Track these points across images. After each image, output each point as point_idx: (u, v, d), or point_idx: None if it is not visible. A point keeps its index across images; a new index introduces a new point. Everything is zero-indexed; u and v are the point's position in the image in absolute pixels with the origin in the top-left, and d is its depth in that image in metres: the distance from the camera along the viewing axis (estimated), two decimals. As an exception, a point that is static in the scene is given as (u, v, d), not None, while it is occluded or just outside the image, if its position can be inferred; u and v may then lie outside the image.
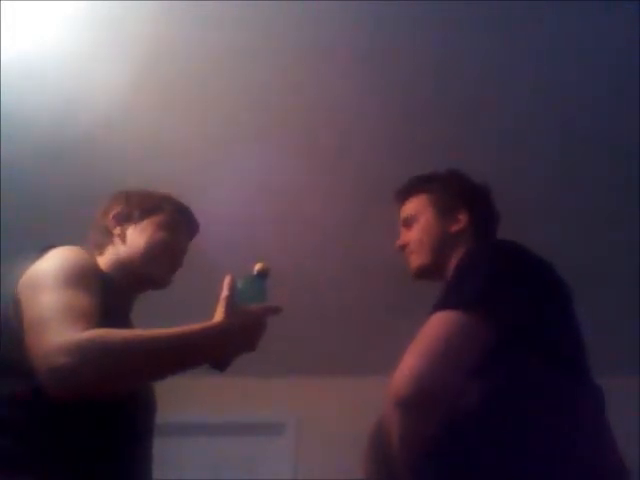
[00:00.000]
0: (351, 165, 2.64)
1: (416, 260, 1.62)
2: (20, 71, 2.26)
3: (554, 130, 2.48)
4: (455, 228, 1.60)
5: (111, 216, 1.55)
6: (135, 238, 1.52)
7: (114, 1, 2.08)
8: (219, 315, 1.32)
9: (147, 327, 1.28)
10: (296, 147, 2.58)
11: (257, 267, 1.40)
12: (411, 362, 1.24)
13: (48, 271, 1.29)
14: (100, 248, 1.54)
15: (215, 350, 1.29)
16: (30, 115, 2.41)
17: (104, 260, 1.51)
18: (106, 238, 1.54)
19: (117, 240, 1.53)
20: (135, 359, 1.19)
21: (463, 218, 1.61)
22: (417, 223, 1.64)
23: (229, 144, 2.55)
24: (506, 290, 1.34)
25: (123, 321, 1.44)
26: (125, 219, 1.55)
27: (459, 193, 1.65)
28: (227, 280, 1.35)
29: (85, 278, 1.30)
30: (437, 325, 1.29)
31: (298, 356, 3.39)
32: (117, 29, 2.16)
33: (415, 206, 1.66)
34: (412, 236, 1.64)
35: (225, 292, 1.34)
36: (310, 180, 2.70)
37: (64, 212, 2.71)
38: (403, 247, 1.66)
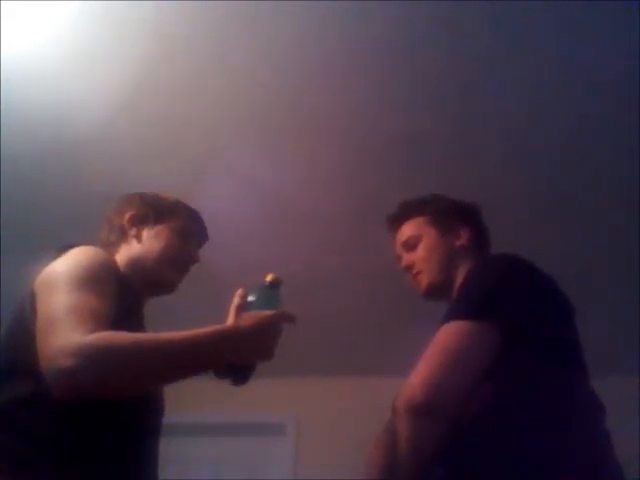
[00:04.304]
0: (353, 165, 2.64)
1: (426, 278, 1.63)
2: (20, 71, 2.26)
3: (554, 137, 2.48)
4: (459, 243, 1.64)
5: (127, 217, 1.57)
6: (151, 241, 1.55)
7: (114, 1, 2.08)
8: (230, 322, 1.35)
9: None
10: (296, 147, 2.58)
11: (268, 278, 1.39)
12: (423, 371, 1.30)
13: (63, 271, 1.29)
14: (114, 247, 1.55)
15: (226, 354, 1.28)
16: (30, 115, 2.41)
17: (119, 258, 1.53)
18: (120, 238, 1.56)
19: (132, 240, 1.55)
20: (141, 362, 1.18)
21: (464, 233, 1.65)
22: (421, 243, 1.66)
23: (230, 145, 2.55)
24: (511, 298, 1.38)
25: (138, 321, 1.46)
26: (141, 221, 1.57)
27: (454, 211, 1.69)
28: (238, 292, 1.40)
29: (100, 280, 1.30)
30: (447, 335, 1.34)
31: (298, 356, 3.38)
32: (117, 29, 2.16)
33: (414, 228, 1.68)
34: (418, 256, 1.65)
35: (236, 301, 1.38)
36: (311, 180, 2.70)
37: (64, 211, 2.71)
38: (408, 268, 1.67)
